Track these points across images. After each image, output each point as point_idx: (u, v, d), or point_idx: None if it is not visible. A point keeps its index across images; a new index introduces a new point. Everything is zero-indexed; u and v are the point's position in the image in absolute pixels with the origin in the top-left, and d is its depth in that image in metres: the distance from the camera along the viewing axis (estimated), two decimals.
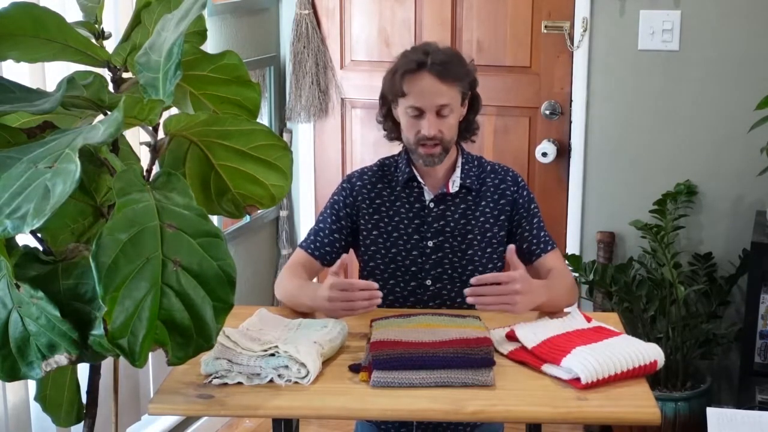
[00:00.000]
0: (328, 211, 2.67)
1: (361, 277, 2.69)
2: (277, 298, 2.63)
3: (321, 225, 2.67)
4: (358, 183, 2.66)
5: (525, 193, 2.64)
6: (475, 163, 2.67)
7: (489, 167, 2.67)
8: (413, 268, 2.61)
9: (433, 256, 2.61)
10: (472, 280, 2.34)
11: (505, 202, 2.62)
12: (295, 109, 4.03)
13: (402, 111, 2.57)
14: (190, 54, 1.86)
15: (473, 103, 2.65)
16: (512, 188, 2.64)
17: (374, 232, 2.63)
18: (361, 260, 2.69)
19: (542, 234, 2.64)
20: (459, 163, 2.64)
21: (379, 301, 2.35)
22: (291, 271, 2.61)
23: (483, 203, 2.63)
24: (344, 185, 2.68)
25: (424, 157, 2.56)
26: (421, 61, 2.52)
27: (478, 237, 2.61)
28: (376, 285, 2.36)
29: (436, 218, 2.61)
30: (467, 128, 2.66)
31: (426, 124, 2.52)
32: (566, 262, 3.41)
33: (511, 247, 2.43)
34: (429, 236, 2.61)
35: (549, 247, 2.63)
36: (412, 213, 2.62)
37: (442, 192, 2.61)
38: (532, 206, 2.65)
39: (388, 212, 2.64)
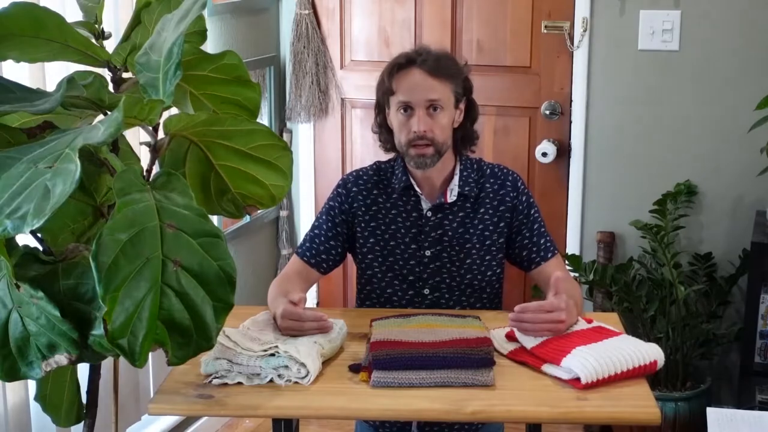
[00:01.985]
0: (324, 216, 2.62)
1: (359, 284, 2.66)
2: None
3: (317, 231, 2.61)
4: (354, 189, 2.61)
5: (524, 199, 2.59)
6: (474, 167, 2.61)
7: (488, 171, 2.61)
8: (411, 277, 2.58)
9: (431, 266, 2.57)
10: (516, 308, 2.23)
11: (504, 209, 2.57)
12: (295, 109, 4.03)
13: (393, 112, 2.53)
14: (190, 54, 1.86)
15: (470, 111, 2.60)
16: (512, 194, 2.58)
17: (371, 240, 2.59)
18: (358, 267, 2.65)
19: (542, 241, 2.59)
20: (457, 171, 2.58)
21: (330, 327, 2.26)
22: (279, 280, 2.56)
23: (482, 210, 2.57)
24: (340, 190, 2.63)
25: (415, 158, 2.50)
26: (410, 58, 2.50)
27: (477, 245, 2.57)
28: (326, 316, 2.26)
29: (433, 227, 2.56)
30: (465, 137, 2.60)
31: (416, 120, 2.47)
32: (566, 262, 3.41)
33: (557, 274, 2.34)
34: (426, 245, 2.56)
35: (549, 254, 2.59)
36: (409, 222, 2.58)
37: (440, 202, 2.56)
38: (532, 211, 2.59)
39: (384, 219, 2.59)
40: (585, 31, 3.65)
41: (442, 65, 2.50)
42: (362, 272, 2.63)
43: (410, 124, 2.48)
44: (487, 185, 2.59)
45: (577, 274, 3.55)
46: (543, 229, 2.61)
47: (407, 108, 2.49)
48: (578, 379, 2.08)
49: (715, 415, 2.06)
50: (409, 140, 2.49)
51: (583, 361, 2.09)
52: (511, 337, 2.27)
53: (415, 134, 2.47)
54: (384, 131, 2.62)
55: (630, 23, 3.61)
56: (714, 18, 3.53)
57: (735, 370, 3.61)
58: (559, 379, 2.12)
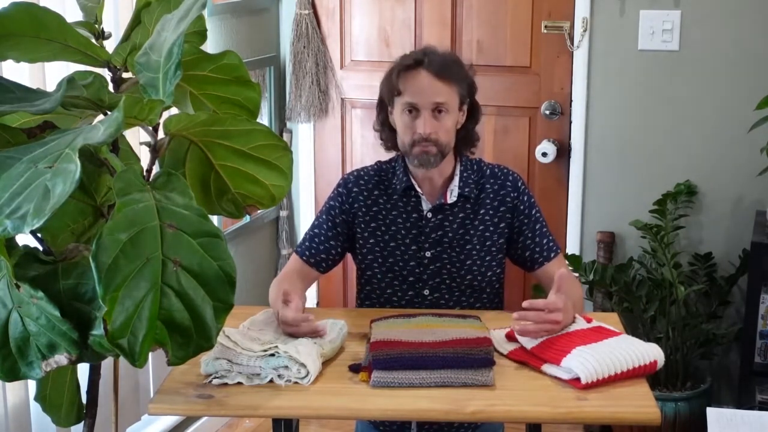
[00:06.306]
0: (324, 216, 2.62)
1: (359, 284, 2.66)
2: None
3: (317, 230, 2.62)
4: (354, 189, 2.61)
5: (525, 199, 2.59)
6: (474, 168, 2.61)
7: (488, 171, 2.61)
8: (411, 278, 2.57)
9: (431, 267, 2.56)
10: (524, 304, 2.23)
11: (505, 209, 2.57)
12: (295, 109, 4.03)
13: (398, 112, 2.53)
14: (190, 54, 1.86)
15: (473, 112, 2.60)
16: (512, 194, 2.58)
17: (371, 240, 2.59)
18: (358, 267, 2.65)
19: (545, 241, 2.59)
20: (457, 172, 2.58)
21: (321, 330, 2.25)
22: (279, 279, 2.56)
23: (482, 211, 2.57)
24: (340, 190, 2.63)
25: (419, 156, 2.50)
26: (418, 59, 2.50)
27: (477, 246, 2.56)
28: (315, 324, 2.25)
29: (434, 228, 2.56)
30: (466, 138, 2.60)
31: (421, 122, 2.47)
32: (566, 262, 3.41)
33: (561, 272, 2.36)
34: (427, 246, 2.56)
35: (552, 254, 2.59)
36: (409, 223, 2.57)
37: (440, 203, 2.56)
38: (533, 212, 2.59)
39: (384, 220, 2.59)
40: (585, 31, 3.65)
41: (448, 68, 2.51)
42: (362, 273, 2.63)
43: (415, 125, 2.49)
44: (487, 186, 2.59)
45: (577, 274, 3.55)
46: (545, 229, 2.61)
47: (413, 109, 2.50)
48: (578, 379, 2.08)
49: (715, 415, 2.06)
50: (414, 141, 2.50)
51: (583, 361, 2.09)
52: (511, 337, 2.28)
53: (420, 136, 2.48)
54: (386, 129, 2.62)
55: (630, 23, 3.61)
56: (714, 18, 3.53)
57: (735, 370, 3.61)
58: (559, 379, 2.12)
